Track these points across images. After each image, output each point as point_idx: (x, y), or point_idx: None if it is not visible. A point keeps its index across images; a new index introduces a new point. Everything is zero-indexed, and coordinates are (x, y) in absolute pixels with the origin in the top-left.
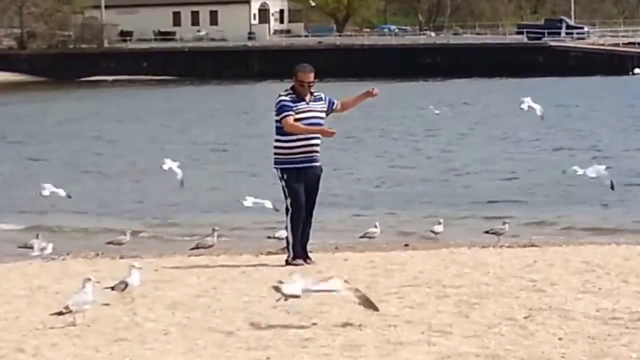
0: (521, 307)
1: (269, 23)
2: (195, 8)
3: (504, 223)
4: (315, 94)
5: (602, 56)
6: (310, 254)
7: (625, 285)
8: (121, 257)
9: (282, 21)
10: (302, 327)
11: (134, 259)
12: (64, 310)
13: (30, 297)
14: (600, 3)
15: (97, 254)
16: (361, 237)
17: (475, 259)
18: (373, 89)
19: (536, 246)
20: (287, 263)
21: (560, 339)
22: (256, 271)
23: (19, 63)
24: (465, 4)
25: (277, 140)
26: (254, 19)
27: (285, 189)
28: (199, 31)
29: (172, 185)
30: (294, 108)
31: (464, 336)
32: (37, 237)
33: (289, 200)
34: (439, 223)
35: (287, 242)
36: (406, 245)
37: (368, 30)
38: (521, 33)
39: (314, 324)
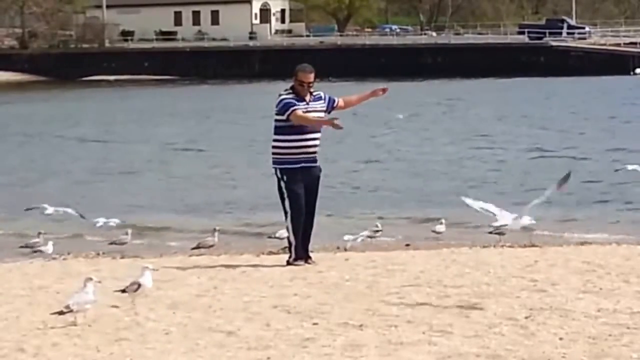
0: (522, 307)
1: (270, 23)
2: (196, 8)
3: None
4: (314, 93)
5: (603, 56)
6: (311, 254)
7: (626, 285)
8: (122, 257)
9: (283, 21)
10: (302, 327)
11: (134, 258)
12: (65, 310)
13: (31, 296)
14: (601, 3)
15: (98, 254)
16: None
17: (476, 259)
18: (384, 89)
19: (537, 246)
20: (288, 263)
21: (561, 339)
22: (257, 271)
23: (20, 63)
24: (467, 3)
25: (276, 140)
26: (255, 18)
27: (285, 191)
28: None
29: (172, 185)
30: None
31: (465, 336)
32: (38, 237)
33: (287, 203)
34: (441, 223)
35: (289, 243)
36: (407, 245)
37: (369, 30)
38: (522, 33)
39: (315, 324)
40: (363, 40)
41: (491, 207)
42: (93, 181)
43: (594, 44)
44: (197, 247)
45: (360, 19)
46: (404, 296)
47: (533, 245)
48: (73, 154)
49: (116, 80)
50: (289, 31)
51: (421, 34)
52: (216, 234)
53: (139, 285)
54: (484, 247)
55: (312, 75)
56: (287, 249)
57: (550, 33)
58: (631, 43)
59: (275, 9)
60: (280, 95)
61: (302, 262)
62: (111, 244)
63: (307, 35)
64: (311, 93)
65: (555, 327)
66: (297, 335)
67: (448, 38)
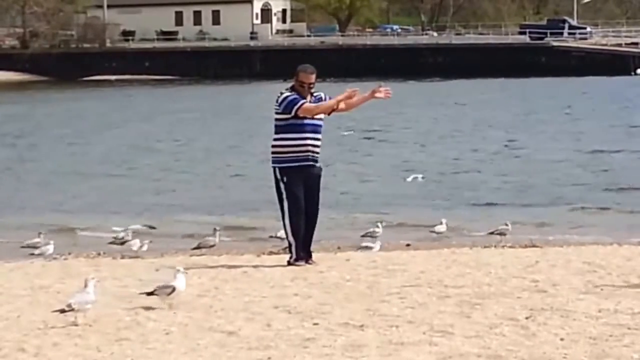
0: (523, 307)
1: (271, 23)
2: (197, 8)
3: (507, 224)
4: (315, 94)
5: (604, 56)
6: (312, 254)
7: (627, 286)
8: (122, 257)
9: (284, 21)
10: (303, 327)
11: (135, 258)
12: (67, 308)
13: (32, 296)
14: (603, 3)
15: (99, 254)
16: (362, 236)
17: (477, 260)
18: (386, 90)
19: (538, 246)
20: (289, 263)
21: (562, 339)
22: (258, 271)
23: (22, 62)
24: (468, 4)
25: (276, 139)
26: (257, 18)
27: (284, 192)
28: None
29: (173, 185)
30: None
31: (466, 336)
32: (39, 236)
33: (286, 204)
34: (441, 223)
35: (289, 244)
36: (408, 245)
37: (370, 30)
38: (524, 33)
39: (316, 324)
40: (364, 40)
41: None
42: (93, 181)
43: (595, 44)
44: (198, 247)
45: (361, 19)
46: (405, 296)
47: (534, 246)
48: (73, 154)
49: (117, 80)
50: (290, 31)
51: (422, 34)
52: (217, 234)
53: (173, 289)
54: (485, 247)
55: (313, 76)
56: (287, 249)
57: (551, 33)
58: (632, 43)
59: (276, 9)
60: (281, 93)
61: (302, 263)
62: (111, 243)
63: (308, 36)
64: (312, 94)
65: (556, 327)
66: (297, 335)
67: (449, 38)
